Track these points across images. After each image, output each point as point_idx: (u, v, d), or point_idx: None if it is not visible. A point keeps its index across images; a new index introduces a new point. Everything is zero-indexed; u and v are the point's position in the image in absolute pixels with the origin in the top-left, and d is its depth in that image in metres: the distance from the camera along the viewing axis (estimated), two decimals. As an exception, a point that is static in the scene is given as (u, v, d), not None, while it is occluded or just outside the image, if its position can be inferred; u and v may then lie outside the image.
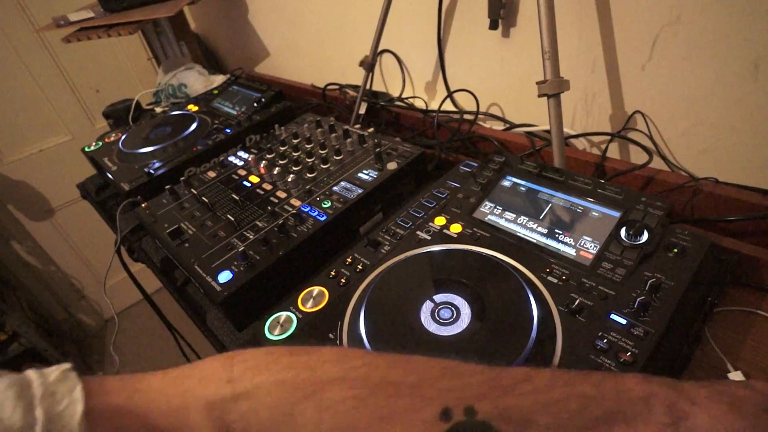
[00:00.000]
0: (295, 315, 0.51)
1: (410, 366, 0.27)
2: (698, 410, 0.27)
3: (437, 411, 0.24)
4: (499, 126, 0.89)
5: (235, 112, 1.06)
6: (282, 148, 0.83)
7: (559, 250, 0.51)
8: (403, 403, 0.24)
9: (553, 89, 0.63)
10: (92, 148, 1.04)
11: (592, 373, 0.29)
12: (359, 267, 0.54)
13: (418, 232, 0.57)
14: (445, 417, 0.24)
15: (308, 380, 0.25)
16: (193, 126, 1.01)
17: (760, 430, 0.27)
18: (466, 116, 0.90)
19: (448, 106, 0.96)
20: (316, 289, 0.53)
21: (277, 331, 0.49)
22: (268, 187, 0.74)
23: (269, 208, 0.67)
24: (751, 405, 0.28)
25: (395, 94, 1.07)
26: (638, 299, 0.42)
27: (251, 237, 0.63)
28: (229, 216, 0.66)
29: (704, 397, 0.28)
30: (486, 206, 0.59)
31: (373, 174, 0.71)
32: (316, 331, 0.48)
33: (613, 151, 0.76)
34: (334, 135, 0.85)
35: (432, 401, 0.24)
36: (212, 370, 0.27)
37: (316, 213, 0.65)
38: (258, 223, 0.66)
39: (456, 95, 0.95)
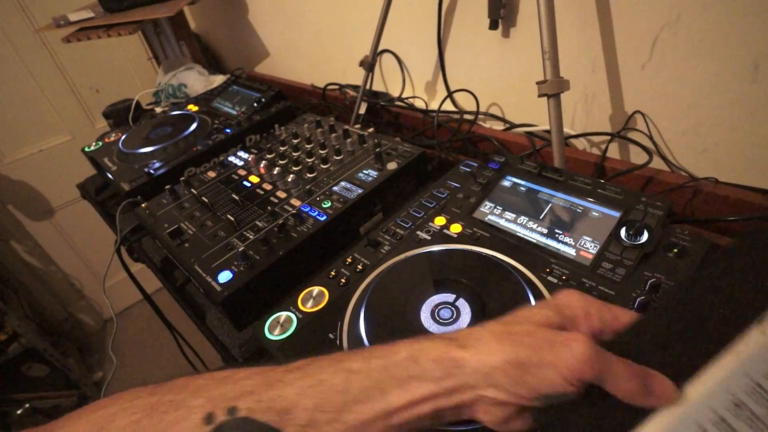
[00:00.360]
0: (295, 315, 0.51)
1: (189, 383, 0.29)
2: (469, 354, 0.27)
3: (200, 417, 0.26)
4: (499, 126, 0.89)
5: (235, 112, 1.06)
6: (282, 148, 0.83)
7: (559, 250, 0.51)
8: (172, 417, 0.26)
9: (553, 89, 0.63)
10: (92, 148, 1.04)
11: (368, 348, 0.30)
12: (359, 267, 0.54)
13: (418, 232, 0.57)
14: (208, 421, 0.26)
15: (103, 416, 0.28)
16: (193, 126, 1.01)
17: (530, 347, 0.26)
18: (466, 116, 0.91)
19: (448, 106, 0.96)
20: (316, 289, 0.53)
21: (277, 331, 0.49)
22: (268, 187, 0.74)
23: (269, 208, 0.67)
24: (525, 323, 0.28)
25: (395, 94, 1.07)
26: (638, 299, 0.42)
27: (251, 237, 0.63)
28: (229, 216, 0.66)
29: (477, 338, 0.28)
30: (486, 206, 0.59)
31: (373, 174, 0.71)
32: (315, 331, 0.48)
33: (613, 151, 0.76)
34: (334, 135, 0.85)
35: (198, 409, 0.26)
36: (54, 423, 0.30)
37: (316, 213, 0.65)
38: (258, 223, 0.66)
39: (456, 95, 0.95)
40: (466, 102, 0.94)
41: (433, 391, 0.27)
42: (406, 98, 1.05)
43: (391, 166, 0.72)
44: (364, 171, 0.72)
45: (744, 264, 0.30)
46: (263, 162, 0.79)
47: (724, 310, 0.28)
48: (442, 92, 0.97)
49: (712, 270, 0.30)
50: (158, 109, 1.22)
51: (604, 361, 0.25)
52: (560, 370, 0.25)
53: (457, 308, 0.46)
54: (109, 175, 0.92)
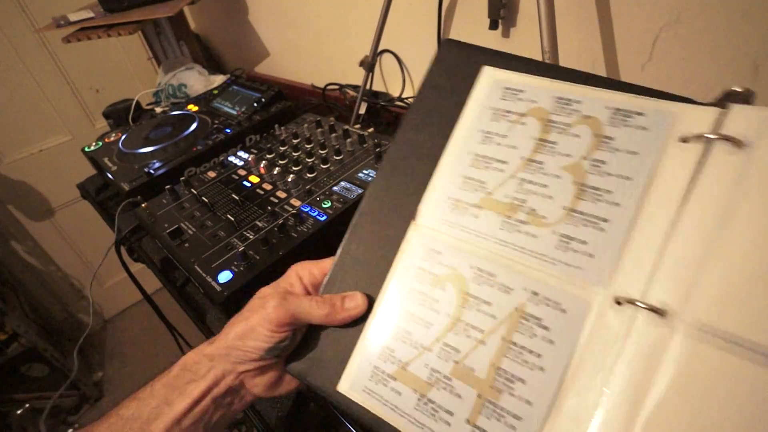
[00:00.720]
0: (295, 315, 0.50)
1: None
2: (213, 346, 0.33)
3: None
4: (499, 126, 0.89)
5: (235, 112, 1.06)
6: (282, 148, 0.83)
7: (559, 250, 0.51)
8: None
9: (553, 89, 0.63)
10: (92, 148, 1.04)
11: (155, 378, 0.34)
12: (359, 267, 0.54)
13: (418, 232, 0.57)
14: None
15: None
16: (193, 126, 1.01)
17: (245, 319, 0.33)
18: (466, 116, 0.90)
19: (448, 106, 0.96)
20: (316, 289, 0.53)
21: (277, 331, 0.49)
22: (268, 187, 0.74)
23: (269, 208, 0.67)
24: (250, 303, 0.35)
25: (395, 94, 1.07)
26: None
27: (251, 237, 0.63)
28: (229, 216, 0.66)
29: (221, 332, 0.34)
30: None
31: (373, 174, 0.71)
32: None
33: (613, 151, 0.76)
34: (334, 135, 0.85)
35: None
36: None
37: (316, 213, 0.65)
38: (258, 223, 0.66)
39: (456, 95, 0.94)
40: (466, 102, 0.94)
41: (205, 386, 0.32)
42: (406, 98, 1.05)
43: (391, 166, 0.72)
44: (364, 171, 0.72)
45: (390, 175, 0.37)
46: (263, 162, 0.79)
47: (383, 226, 0.36)
48: (442, 92, 0.97)
49: (368, 197, 0.38)
50: (158, 109, 1.22)
51: (291, 303, 0.33)
52: (264, 325, 0.32)
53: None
54: (109, 175, 0.92)
